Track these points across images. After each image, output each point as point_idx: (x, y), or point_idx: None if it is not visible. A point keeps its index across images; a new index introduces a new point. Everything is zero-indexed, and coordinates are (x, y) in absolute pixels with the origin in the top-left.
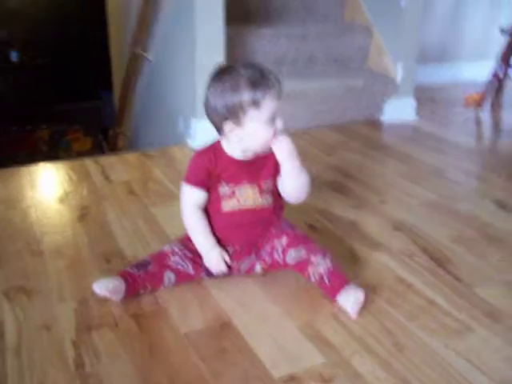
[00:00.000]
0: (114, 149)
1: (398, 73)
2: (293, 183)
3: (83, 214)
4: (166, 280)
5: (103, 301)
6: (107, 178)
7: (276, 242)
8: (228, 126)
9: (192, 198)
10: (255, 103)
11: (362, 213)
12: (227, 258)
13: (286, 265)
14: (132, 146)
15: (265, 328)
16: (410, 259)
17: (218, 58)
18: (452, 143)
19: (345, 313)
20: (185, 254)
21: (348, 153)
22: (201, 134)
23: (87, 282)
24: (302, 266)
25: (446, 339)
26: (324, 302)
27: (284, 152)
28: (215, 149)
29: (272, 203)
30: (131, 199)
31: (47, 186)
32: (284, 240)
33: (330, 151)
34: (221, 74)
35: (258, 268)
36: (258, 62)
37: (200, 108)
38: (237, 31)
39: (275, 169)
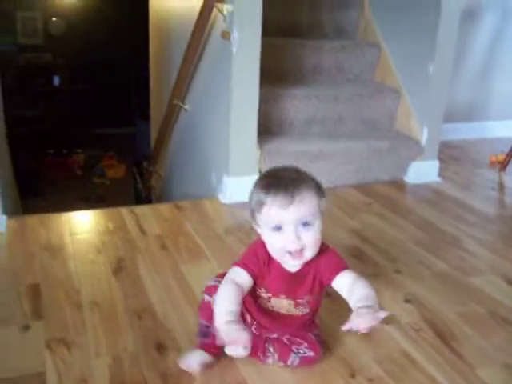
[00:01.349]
0: (146, 184)
1: (424, 136)
2: None
3: (118, 267)
4: None
5: (134, 359)
6: (141, 229)
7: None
8: (253, 224)
9: (237, 275)
10: (259, 205)
11: (376, 282)
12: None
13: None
14: (164, 187)
15: None
16: (417, 334)
17: (251, 116)
18: (472, 209)
19: None
20: None
21: (369, 216)
22: (232, 191)
23: (120, 337)
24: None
25: None
26: (334, 374)
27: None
28: None
29: (308, 312)
30: (163, 254)
31: (85, 234)
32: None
33: (353, 214)
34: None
35: (271, 349)
36: (304, 170)
37: (232, 165)
38: (270, 91)
39: (313, 285)
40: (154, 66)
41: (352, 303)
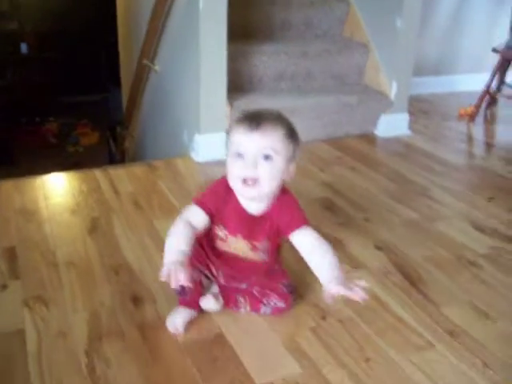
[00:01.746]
0: (120, 148)
1: (393, 89)
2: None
3: (93, 227)
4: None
5: (111, 312)
6: (115, 189)
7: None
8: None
9: (191, 214)
10: (229, 133)
11: (347, 231)
12: (183, 277)
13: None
14: (138, 148)
15: (252, 341)
16: (386, 278)
17: (220, 73)
18: (441, 160)
19: (322, 327)
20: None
21: (340, 168)
22: (204, 149)
23: (97, 293)
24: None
25: (409, 354)
26: (305, 317)
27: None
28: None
29: (267, 259)
30: (137, 213)
31: (60, 196)
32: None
33: (324, 167)
34: None
35: (241, 300)
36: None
37: (202, 123)
38: (239, 47)
39: (271, 231)
40: (122, 30)
41: (322, 275)
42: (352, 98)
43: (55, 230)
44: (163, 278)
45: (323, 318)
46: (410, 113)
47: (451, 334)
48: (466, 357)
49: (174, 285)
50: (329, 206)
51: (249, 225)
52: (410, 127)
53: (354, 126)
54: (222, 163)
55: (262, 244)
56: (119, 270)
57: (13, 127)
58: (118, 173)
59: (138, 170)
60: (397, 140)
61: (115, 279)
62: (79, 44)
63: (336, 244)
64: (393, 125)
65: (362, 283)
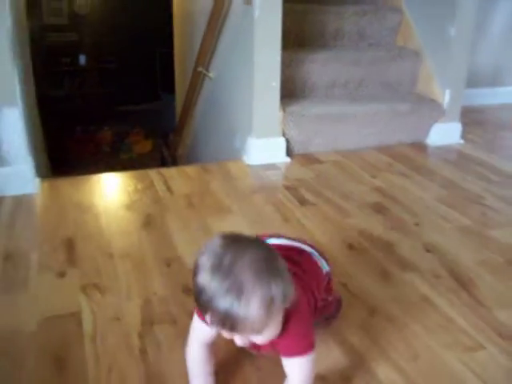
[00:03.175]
0: (173, 154)
1: (446, 98)
2: None
3: (147, 222)
4: None
5: (163, 300)
6: (169, 188)
7: None
8: None
9: (196, 330)
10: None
11: (397, 234)
12: None
13: None
14: (190, 155)
15: None
16: (437, 280)
17: (274, 80)
18: (495, 169)
19: (370, 324)
20: None
21: (392, 175)
22: (256, 152)
23: (150, 283)
24: None
25: (458, 354)
26: (354, 313)
27: None
28: None
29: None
30: (190, 211)
31: (115, 193)
32: None
33: (375, 173)
34: None
35: None
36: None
37: (255, 128)
38: (292, 55)
39: (273, 348)
40: (178, 41)
41: None
42: (404, 106)
43: (111, 224)
44: None
45: (371, 314)
46: (463, 124)
47: (502, 336)
48: None
49: None
50: (380, 210)
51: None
52: (463, 137)
53: (405, 134)
54: (273, 167)
55: (270, 352)
56: (171, 263)
57: (68, 136)
58: (172, 173)
59: (190, 171)
60: (449, 149)
61: (167, 271)
62: (135, 54)
63: (387, 247)
64: (445, 134)
65: None
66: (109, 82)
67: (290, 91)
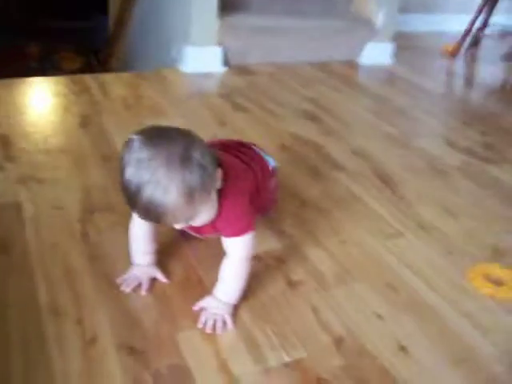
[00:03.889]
0: (105, 70)
1: (380, 18)
2: None
3: (84, 122)
4: None
5: (103, 190)
6: (105, 92)
7: None
8: None
9: None
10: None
11: (328, 138)
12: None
13: None
14: (124, 68)
15: None
16: (363, 179)
17: None
18: (421, 88)
19: (301, 213)
20: None
21: (324, 87)
22: (192, 60)
23: (89, 175)
24: None
25: (382, 240)
26: (286, 205)
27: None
28: None
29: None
30: (127, 113)
31: (50, 96)
32: None
33: (308, 85)
34: None
35: None
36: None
37: (192, 36)
38: None
39: (215, 229)
40: None
41: (217, 285)
42: (339, 23)
43: (47, 124)
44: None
45: (303, 205)
46: (395, 47)
47: (421, 226)
48: (432, 245)
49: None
50: (312, 118)
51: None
52: (394, 58)
53: (339, 52)
54: (209, 75)
55: (212, 235)
56: (111, 158)
57: None
58: (107, 78)
59: (126, 76)
60: (380, 68)
61: (106, 165)
62: None
63: (317, 149)
64: (377, 53)
65: (228, 325)
66: None
67: (229, 1)
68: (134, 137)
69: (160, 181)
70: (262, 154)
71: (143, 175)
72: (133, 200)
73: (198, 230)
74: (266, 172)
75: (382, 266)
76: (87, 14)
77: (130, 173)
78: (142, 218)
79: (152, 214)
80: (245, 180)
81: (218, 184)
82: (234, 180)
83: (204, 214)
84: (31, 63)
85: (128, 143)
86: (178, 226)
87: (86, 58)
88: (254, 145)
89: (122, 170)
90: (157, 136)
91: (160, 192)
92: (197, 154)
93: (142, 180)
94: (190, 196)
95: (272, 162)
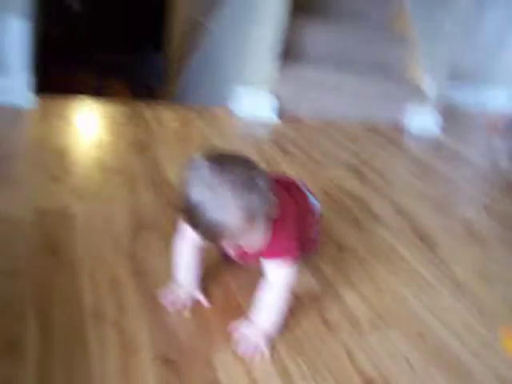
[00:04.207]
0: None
1: (428, 84)
2: None
3: (137, 147)
4: None
5: (153, 212)
6: (159, 122)
7: None
8: None
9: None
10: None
11: (369, 192)
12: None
13: None
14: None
15: None
16: (403, 235)
17: (273, 37)
18: (465, 157)
19: (339, 257)
20: None
21: (370, 145)
22: (244, 103)
23: (140, 196)
24: None
25: (416, 292)
26: (325, 248)
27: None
28: None
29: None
30: (178, 143)
31: (107, 118)
32: None
33: (354, 140)
34: None
35: None
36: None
37: (248, 79)
38: (294, 19)
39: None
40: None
41: (255, 310)
42: (390, 87)
43: (102, 144)
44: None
45: (340, 250)
46: (441, 113)
47: (455, 284)
48: (465, 303)
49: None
50: (355, 170)
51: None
52: (440, 125)
53: (387, 113)
54: (259, 119)
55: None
56: (160, 184)
57: (50, 73)
58: (161, 109)
59: (179, 109)
60: (425, 134)
61: (156, 190)
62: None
63: (359, 201)
64: (424, 119)
65: (263, 352)
66: (97, 28)
67: (288, 54)
68: (199, 158)
69: (224, 202)
70: (306, 191)
71: (208, 195)
72: (195, 218)
73: (243, 256)
74: (308, 207)
75: (415, 316)
76: (141, 49)
77: (195, 192)
78: (201, 236)
79: (211, 232)
80: (292, 211)
81: (275, 213)
82: (284, 208)
83: (257, 238)
84: (86, 92)
85: (193, 163)
86: (229, 248)
87: (138, 92)
88: (300, 181)
89: (185, 189)
90: (222, 158)
91: (223, 212)
92: (259, 181)
93: (206, 199)
94: (251, 219)
95: (314, 201)
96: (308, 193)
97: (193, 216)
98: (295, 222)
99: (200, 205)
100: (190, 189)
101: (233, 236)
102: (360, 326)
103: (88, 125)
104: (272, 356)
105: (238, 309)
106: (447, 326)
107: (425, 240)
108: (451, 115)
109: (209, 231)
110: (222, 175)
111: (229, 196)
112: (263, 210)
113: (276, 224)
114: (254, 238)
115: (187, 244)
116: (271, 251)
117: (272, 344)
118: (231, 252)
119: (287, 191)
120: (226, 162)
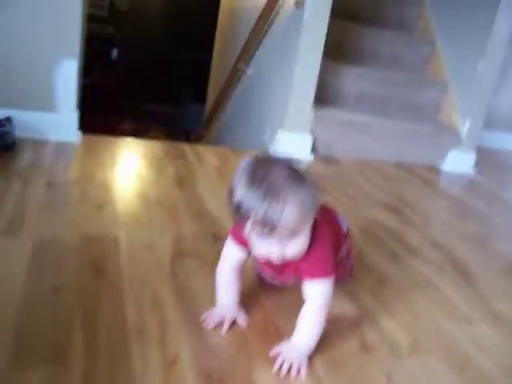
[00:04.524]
0: None
1: (465, 128)
2: None
3: (179, 181)
4: None
5: (194, 241)
6: (199, 159)
7: None
8: None
9: (229, 250)
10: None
11: (407, 229)
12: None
13: None
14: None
15: None
16: (441, 269)
17: (311, 81)
18: (501, 197)
19: (378, 289)
20: None
21: (405, 185)
22: (283, 144)
23: (182, 226)
24: None
25: (455, 323)
26: (365, 278)
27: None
28: None
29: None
30: (219, 179)
31: (149, 155)
32: None
33: (389, 180)
34: None
35: None
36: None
37: (287, 122)
38: (330, 64)
39: (296, 274)
40: (219, 46)
41: (296, 331)
42: (424, 129)
43: (145, 178)
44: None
45: (379, 284)
46: (477, 158)
47: (495, 317)
48: (506, 336)
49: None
50: (392, 209)
51: (274, 268)
52: (475, 168)
53: (421, 155)
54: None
55: (290, 281)
56: (201, 216)
57: (90, 122)
58: (201, 148)
59: (219, 150)
60: (461, 176)
61: (197, 219)
62: (168, 57)
63: (396, 236)
64: (459, 161)
65: (303, 372)
66: (136, 78)
67: (323, 96)
68: (250, 159)
69: (279, 194)
70: (338, 216)
71: (259, 190)
72: (247, 216)
73: (281, 270)
74: (341, 232)
75: (455, 346)
76: (180, 100)
77: (243, 191)
78: (255, 228)
79: (268, 225)
80: (327, 231)
81: (314, 215)
82: (321, 228)
83: (300, 241)
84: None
85: (245, 164)
86: (272, 257)
87: (175, 137)
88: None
89: (233, 191)
90: (272, 158)
91: (280, 204)
92: (307, 177)
93: (258, 194)
94: (304, 209)
95: (344, 226)
96: (340, 218)
97: (241, 214)
98: (331, 242)
99: (247, 200)
100: (237, 188)
101: (284, 230)
102: (399, 351)
103: (131, 161)
104: (311, 376)
105: (276, 332)
106: (490, 359)
107: (463, 274)
108: (487, 159)
109: (264, 223)
110: (273, 170)
111: (280, 186)
112: (313, 206)
113: (315, 239)
114: (300, 241)
115: (229, 265)
116: (310, 267)
117: (311, 364)
118: (270, 269)
119: (322, 214)
120: (275, 159)
